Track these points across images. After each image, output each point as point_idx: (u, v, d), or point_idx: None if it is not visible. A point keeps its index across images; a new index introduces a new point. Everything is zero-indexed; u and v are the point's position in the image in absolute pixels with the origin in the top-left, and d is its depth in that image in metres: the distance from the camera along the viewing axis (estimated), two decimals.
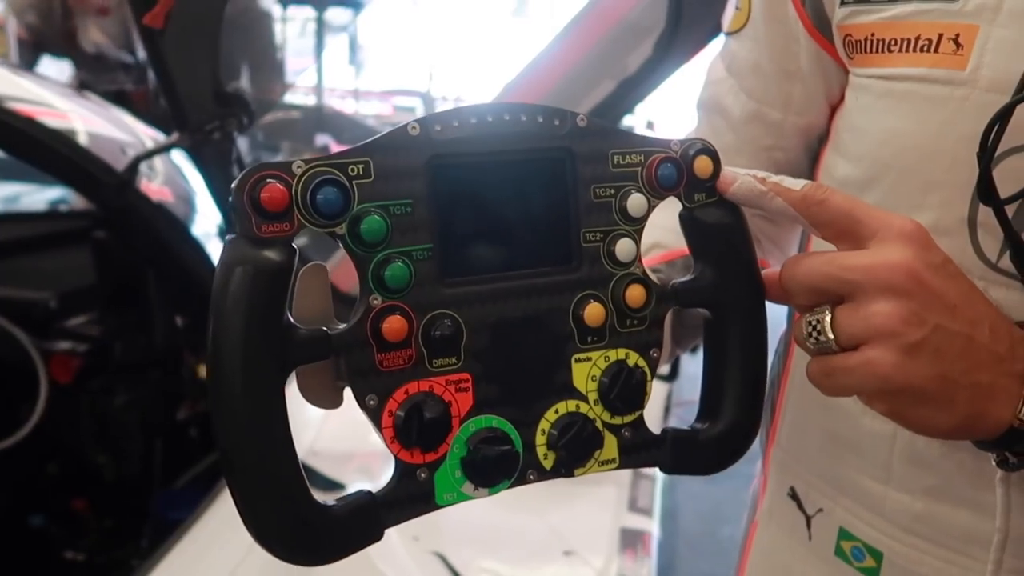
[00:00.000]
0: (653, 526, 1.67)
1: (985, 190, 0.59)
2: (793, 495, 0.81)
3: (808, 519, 0.79)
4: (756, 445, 0.89)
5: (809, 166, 0.83)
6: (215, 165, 1.52)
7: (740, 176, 0.55)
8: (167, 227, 1.55)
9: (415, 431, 0.48)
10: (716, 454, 0.57)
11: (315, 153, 2.55)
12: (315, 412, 1.53)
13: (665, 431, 0.56)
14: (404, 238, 0.48)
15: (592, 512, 1.65)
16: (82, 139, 1.56)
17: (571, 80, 1.56)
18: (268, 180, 0.44)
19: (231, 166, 1.52)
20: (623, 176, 0.54)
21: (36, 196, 2.53)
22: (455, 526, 1.53)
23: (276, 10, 3.43)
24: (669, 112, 6.20)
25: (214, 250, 1.68)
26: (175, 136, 1.52)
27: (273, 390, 0.45)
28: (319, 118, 2.59)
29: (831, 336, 0.53)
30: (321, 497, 0.48)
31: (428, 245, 0.49)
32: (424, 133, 0.49)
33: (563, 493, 1.68)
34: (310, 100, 3.24)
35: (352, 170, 0.47)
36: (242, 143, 2.79)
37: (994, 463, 0.58)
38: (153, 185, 1.58)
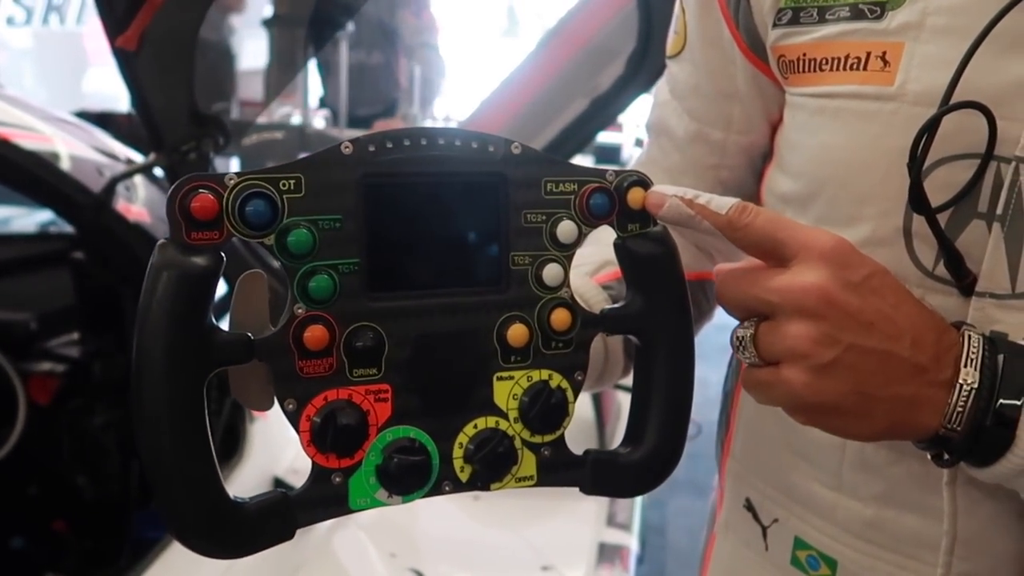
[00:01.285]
0: (632, 541, 1.67)
1: (917, 200, 0.60)
2: (749, 506, 0.82)
3: (764, 529, 0.80)
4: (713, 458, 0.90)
5: (754, 182, 0.84)
6: None
7: (668, 199, 0.56)
8: (144, 248, 1.56)
9: (331, 436, 0.50)
10: (635, 478, 0.59)
11: None
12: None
13: (587, 452, 0.58)
14: (331, 251, 0.50)
15: (570, 527, 1.65)
16: (65, 162, 1.57)
17: (544, 99, 1.58)
18: (200, 190, 0.46)
19: None
20: (555, 203, 0.55)
21: (19, 218, 2.53)
22: (432, 542, 1.54)
23: (245, 33, 3.47)
24: None
25: None
26: (151, 157, 1.53)
27: (192, 389, 0.47)
28: (302, 139, 2.60)
29: (753, 351, 0.55)
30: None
31: (355, 260, 0.51)
32: (357, 152, 0.50)
33: (541, 508, 1.68)
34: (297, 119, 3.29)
35: (284, 185, 0.49)
36: (232, 164, 2.82)
37: (931, 461, 0.60)
38: (132, 206, 1.59)
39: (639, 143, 6.11)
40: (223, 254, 0.48)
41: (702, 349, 0.75)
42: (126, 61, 1.39)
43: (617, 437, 2.05)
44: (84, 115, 2.71)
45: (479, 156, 0.53)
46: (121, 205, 1.56)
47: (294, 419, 0.50)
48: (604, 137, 5.22)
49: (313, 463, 0.51)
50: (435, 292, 0.53)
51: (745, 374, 0.57)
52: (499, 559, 1.57)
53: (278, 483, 1.61)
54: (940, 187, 0.61)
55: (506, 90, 1.62)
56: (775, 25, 0.71)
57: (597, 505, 1.73)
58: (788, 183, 0.74)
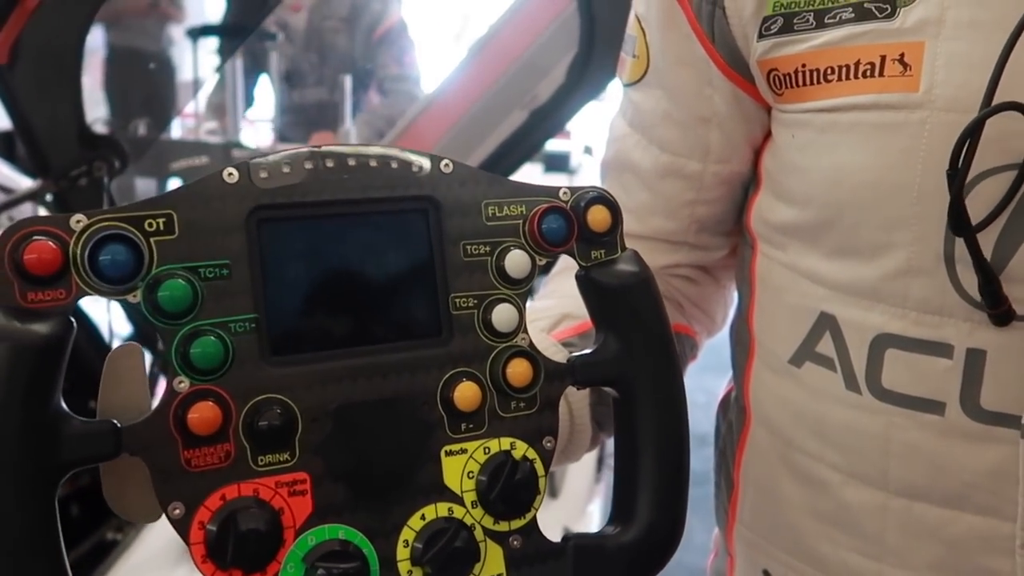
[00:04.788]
0: None
1: (957, 219, 0.54)
2: None
3: None
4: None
5: (735, 216, 0.75)
6: None
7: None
8: None
9: (233, 547, 0.40)
10: (628, 566, 0.49)
11: None
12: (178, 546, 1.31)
13: (566, 538, 0.48)
14: (219, 307, 0.41)
15: None
16: None
17: (478, 113, 1.46)
18: (36, 237, 0.38)
19: None
20: (500, 231, 0.47)
21: None
22: None
23: (187, 44, 3.32)
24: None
25: (89, 309, 1.52)
26: (37, 184, 1.38)
27: (35, 499, 0.37)
28: (228, 160, 2.45)
29: None
30: None
31: (251, 315, 0.42)
32: (244, 180, 0.42)
33: None
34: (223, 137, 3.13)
35: (150, 224, 0.40)
36: (150, 189, 2.66)
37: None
38: None
39: (588, 151, 6.04)
40: (72, 319, 0.39)
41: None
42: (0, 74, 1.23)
43: (569, 480, 1.91)
44: None
45: (401, 178, 0.45)
46: None
47: (182, 528, 0.40)
48: (552, 145, 5.14)
49: None
50: (358, 350, 0.44)
51: None
52: None
53: None
54: (982, 204, 0.54)
55: (435, 105, 1.49)
56: (762, 36, 0.63)
57: None
58: (790, 212, 0.66)
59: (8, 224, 1.19)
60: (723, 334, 0.84)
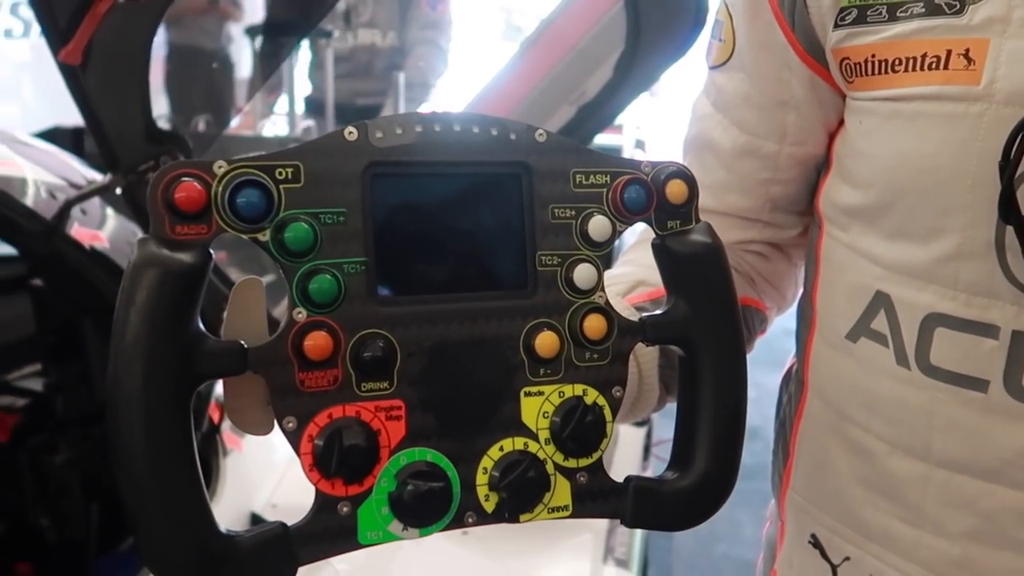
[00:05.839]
0: None
1: (1007, 208, 0.57)
2: (815, 543, 0.77)
3: (834, 568, 0.75)
4: (768, 486, 0.83)
5: (808, 197, 0.79)
6: None
7: None
8: (101, 274, 1.46)
9: (336, 459, 0.45)
10: (683, 509, 0.53)
11: None
12: (277, 460, 1.38)
13: (628, 479, 0.52)
14: (335, 249, 0.46)
15: (566, 563, 1.56)
16: (23, 188, 1.47)
17: (527, 108, 1.49)
18: (184, 179, 0.42)
19: None
20: (586, 197, 0.51)
21: None
22: None
23: (245, 42, 3.39)
24: (661, 133, 6.15)
25: None
26: (107, 178, 1.44)
27: (175, 403, 0.42)
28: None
29: None
30: None
31: (362, 259, 0.46)
32: (362, 138, 0.46)
33: (535, 542, 1.59)
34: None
35: (280, 173, 0.44)
36: None
37: None
38: (87, 230, 1.49)
39: (639, 144, 6.02)
40: (211, 251, 0.44)
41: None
42: (73, 76, 1.29)
43: (616, 466, 1.95)
44: (58, 131, 2.62)
45: (499, 144, 0.49)
46: (76, 230, 1.46)
47: (294, 439, 0.45)
48: (603, 139, 5.13)
49: (316, 491, 0.45)
50: (452, 296, 0.49)
51: None
52: None
53: (255, 520, 1.51)
54: None
55: (485, 100, 1.52)
56: (837, 26, 0.66)
57: (594, 538, 1.63)
58: (854, 195, 0.69)
59: (81, 216, 1.25)
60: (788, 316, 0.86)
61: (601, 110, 1.45)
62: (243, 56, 4.76)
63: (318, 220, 0.45)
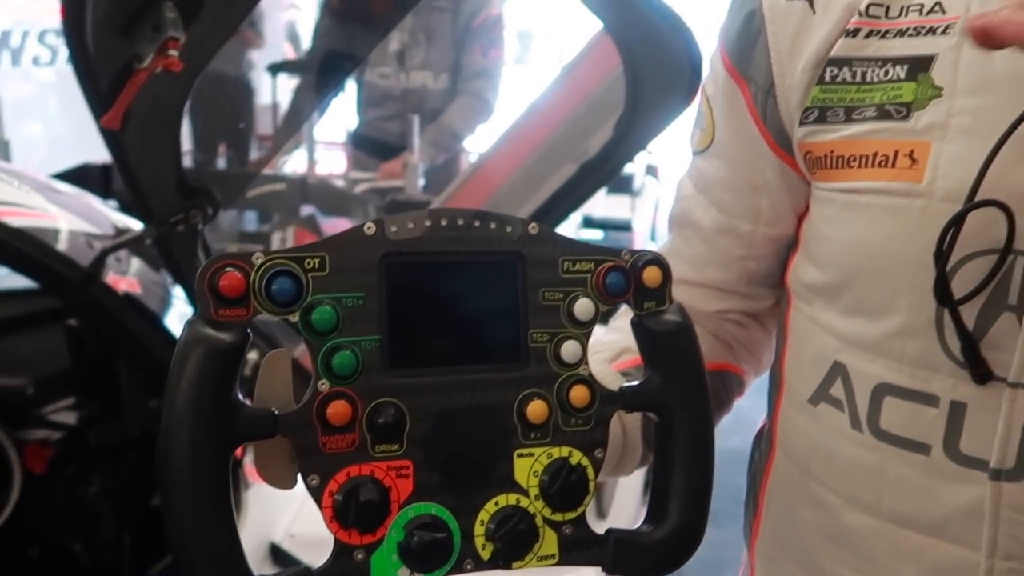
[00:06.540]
0: None
1: (941, 291, 0.64)
2: None
3: None
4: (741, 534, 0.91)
5: (780, 271, 0.86)
6: (181, 255, 1.53)
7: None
8: (135, 319, 1.56)
9: (353, 512, 0.51)
10: (658, 558, 0.58)
11: (300, 224, 2.57)
12: (294, 494, 1.50)
13: (609, 531, 0.58)
14: (354, 328, 0.52)
15: None
16: (58, 236, 1.58)
17: (532, 165, 1.57)
18: (227, 268, 0.49)
19: (196, 257, 1.53)
20: (572, 281, 0.57)
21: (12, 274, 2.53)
22: None
23: (266, 79, 3.47)
24: (672, 157, 6.22)
25: None
26: (141, 230, 1.53)
27: (217, 461, 0.49)
28: (303, 189, 2.61)
29: None
30: None
31: (377, 336, 0.53)
32: (379, 232, 0.53)
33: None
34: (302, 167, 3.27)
35: (308, 263, 0.51)
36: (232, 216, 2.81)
37: None
38: (121, 277, 1.59)
39: (650, 170, 6.10)
40: (249, 331, 0.50)
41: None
42: (112, 138, 1.39)
43: (616, 504, 2.01)
44: (88, 168, 2.72)
45: (497, 236, 0.55)
46: (111, 277, 1.56)
47: (317, 495, 0.51)
48: None
49: (336, 539, 0.52)
50: (455, 368, 0.55)
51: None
52: None
53: (275, 549, 1.60)
54: (970, 280, 0.64)
55: (492, 159, 1.62)
56: (802, 123, 0.73)
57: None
58: (816, 273, 0.76)
59: (115, 264, 1.36)
60: None
61: (602, 167, 1.51)
62: (263, 84, 4.85)
63: (340, 303, 0.52)
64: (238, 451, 1.52)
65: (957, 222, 0.62)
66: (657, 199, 6.13)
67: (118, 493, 1.78)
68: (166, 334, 1.64)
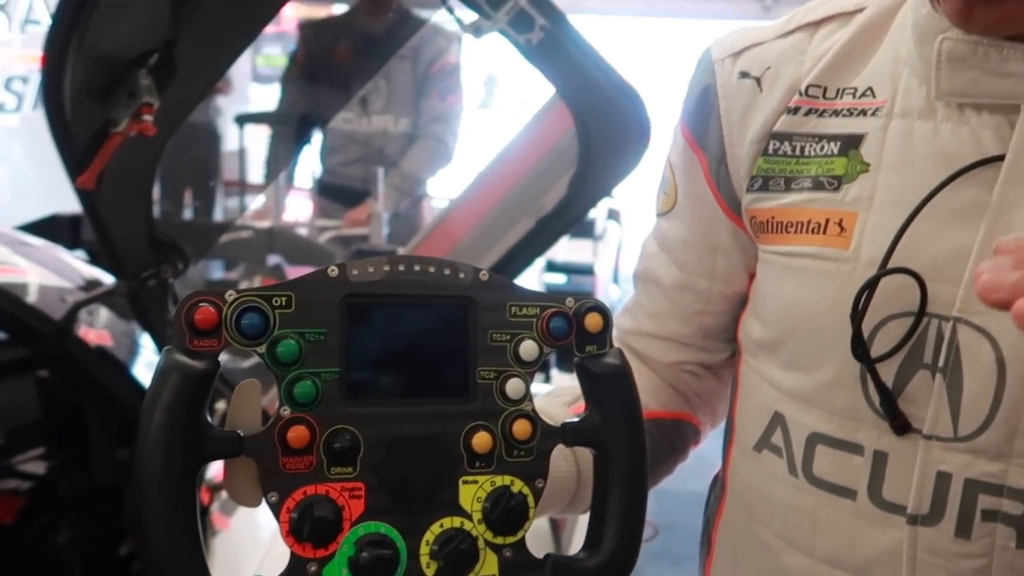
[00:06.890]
0: None
1: (857, 349, 0.69)
2: None
3: None
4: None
5: (734, 326, 0.91)
6: (152, 308, 1.57)
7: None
8: (106, 371, 1.59)
9: (308, 528, 0.54)
10: None
11: (267, 274, 2.62)
12: (260, 538, 1.53)
13: (547, 556, 0.61)
14: (316, 361, 0.56)
15: None
16: (31, 291, 1.62)
17: (492, 219, 1.64)
18: (202, 304, 0.53)
19: (167, 309, 1.57)
20: (519, 325, 0.60)
21: None
22: None
23: (234, 130, 3.50)
24: (633, 202, 6.35)
25: None
26: (113, 284, 1.57)
27: (187, 472, 0.53)
28: (269, 237, 2.67)
29: None
30: None
31: (336, 369, 0.56)
32: (341, 275, 0.57)
33: None
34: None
35: (276, 301, 0.55)
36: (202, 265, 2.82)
37: None
38: (92, 331, 1.63)
39: (612, 215, 6.22)
40: (219, 360, 0.54)
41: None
42: (86, 197, 1.43)
43: (575, 542, 2.07)
44: (57, 219, 2.74)
45: (450, 281, 0.59)
46: (83, 330, 1.60)
47: (276, 510, 0.55)
48: None
49: (291, 553, 0.55)
50: (408, 401, 0.59)
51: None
52: None
53: None
54: (890, 339, 0.69)
55: (459, 210, 1.69)
56: (748, 190, 0.80)
57: None
58: (760, 329, 0.81)
59: (86, 317, 1.40)
60: None
61: (558, 222, 1.59)
62: (229, 131, 4.87)
63: (303, 338, 0.55)
64: (204, 497, 1.55)
65: (870, 287, 0.68)
66: (619, 243, 6.23)
67: (87, 543, 1.79)
68: (135, 385, 1.68)
